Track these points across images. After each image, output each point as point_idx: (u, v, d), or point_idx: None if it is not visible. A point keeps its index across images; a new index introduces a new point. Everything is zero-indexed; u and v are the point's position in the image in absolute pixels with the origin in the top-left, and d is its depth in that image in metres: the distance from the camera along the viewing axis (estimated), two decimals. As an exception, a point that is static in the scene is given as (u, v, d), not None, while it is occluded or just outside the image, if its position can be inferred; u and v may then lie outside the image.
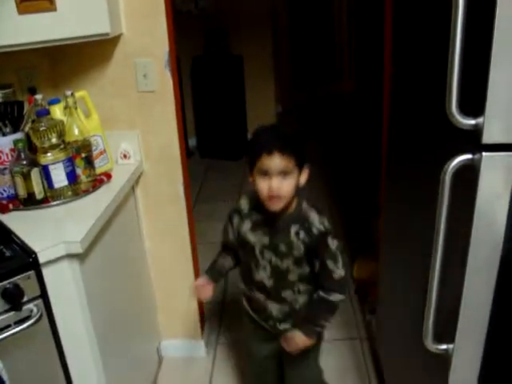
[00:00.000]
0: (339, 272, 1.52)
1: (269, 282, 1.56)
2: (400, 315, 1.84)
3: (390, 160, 1.97)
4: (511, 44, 0.94)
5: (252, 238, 1.56)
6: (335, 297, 1.53)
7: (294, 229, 1.50)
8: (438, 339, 1.25)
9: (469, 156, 1.05)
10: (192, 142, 5.10)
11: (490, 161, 1.02)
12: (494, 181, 1.04)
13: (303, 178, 1.50)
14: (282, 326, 1.63)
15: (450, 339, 1.22)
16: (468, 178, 1.07)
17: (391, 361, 2.01)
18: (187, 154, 2.33)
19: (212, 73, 4.82)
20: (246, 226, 1.57)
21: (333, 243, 1.52)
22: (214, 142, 5.08)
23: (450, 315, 1.21)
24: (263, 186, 1.43)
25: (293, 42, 7.00)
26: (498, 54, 0.95)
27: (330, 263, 1.51)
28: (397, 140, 1.87)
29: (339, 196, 4.08)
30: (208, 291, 1.69)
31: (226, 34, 4.82)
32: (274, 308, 1.61)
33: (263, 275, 1.56)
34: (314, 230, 1.49)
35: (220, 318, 2.70)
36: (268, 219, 1.53)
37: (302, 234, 1.49)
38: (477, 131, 1.02)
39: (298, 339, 1.55)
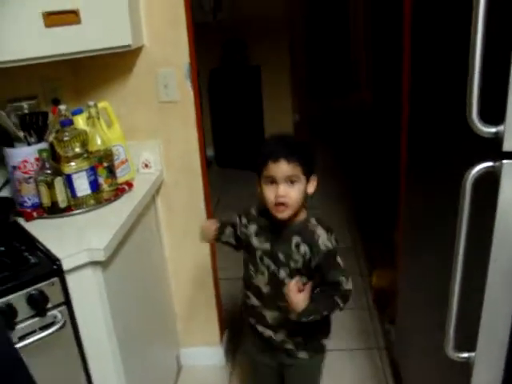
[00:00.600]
0: (349, 285, 1.50)
1: (265, 289, 1.56)
2: (420, 324, 1.83)
3: (409, 170, 1.97)
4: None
5: (255, 242, 1.57)
6: (339, 301, 1.49)
7: (295, 240, 1.49)
8: (460, 348, 1.25)
9: (490, 164, 1.06)
10: (210, 151, 5.13)
11: (510, 168, 1.03)
12: (515, 188, 1.04)
13: (311, 187, 1.50)
14: (278, 338, 1.60)
15: (472, 347, 1.22)
16: (489, 186, 1.07)
17: (411, 370, 2.00)
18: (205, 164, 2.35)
19: (230, 84, 4.87)
20: (252, 229, 1.59)
21: (340, 260, 1.51)
22: (232, 152, 5.11)
23: (471, 323, 1.21)
24: (270, 193, 1.44)
25: (309, 53, 7.04)
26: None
27: (341, 278, 1.49)
28: (416, 150, 1.88)
29: (358, 206, 4.08)
30: (212, 231, 1.69)
31: (243, 46, 4.85)
32: (268, 315, 1.59)
33: (261, 281, 1.56)
34: (322, 247, 1.47)
35: (240, 326, 2.70)
36: (273, 226, 1.53)
37: (302, 248, 1.48)
38: (497, 139, 1.03)
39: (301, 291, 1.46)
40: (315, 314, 1.48)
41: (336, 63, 7.77)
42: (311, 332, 1.60)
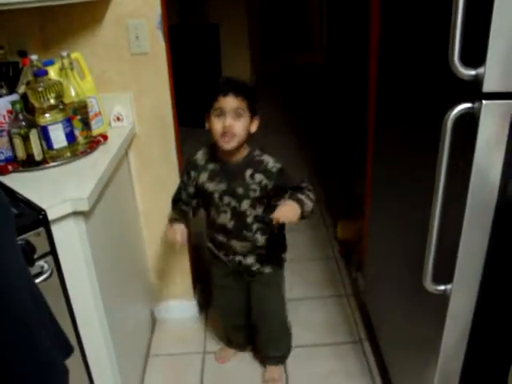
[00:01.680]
0: (309, 186, 1.73)
1: (230, 224, 1.76)
2: (388, 269, 1.93)
3: (377, 119, 2.03)
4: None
5: (210, 186, 1.74)
6: (309, 193, 1.70)
7: (248, 172, 1.70)
8: (437, 281, 1.34)
9: (469, 105, 1.12)
10: (168, 111, 5.09)
11: (489, 109, 1.09)
12: (493, 128, 1.11)
13: (254, 125, 1.69)
14: (248, 261, 1.83)
15: (448, 280, 1.31)
16: (466, 129, 1.14)
17: (380, 313, 2.11)
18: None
19: (188, 42, 4.78)
20: (203, 176, 1.75)
21: (291, 175, 1.72)
22: (191, 111, 5.06)
23: (449, 257, 1.29)
24: (218, 125, 1.63)
25: (265, 13, 6.97)
26: (499, 5, 1.01)
27: (301, 184, 1.71)
28: (385, 98, 1.93)
29: (320, 159, 4.16)
30: (184, 234, 1.79)
31: (202, 3, 4.77)
32: (237, 245, 1.80)
33: (224, 218, 1.76)
34: (273, 169, 1.69)
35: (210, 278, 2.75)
36: (223, 167, 1.73)
37: (257, 177, 1.69)
38: (477, 81, 1.08)
39: (286, 205, 1.63)
40: (307, 200, 1.67)
41: (291, 24, 7.74)
42: (274, 250, 1.84)
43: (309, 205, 1.67)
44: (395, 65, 1.78)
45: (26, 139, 1.63)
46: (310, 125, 5.04)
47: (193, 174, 1.79)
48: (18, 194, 1.48)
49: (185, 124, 5.07)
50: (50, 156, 1.67)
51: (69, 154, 1.70)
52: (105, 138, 1.85)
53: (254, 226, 1.77)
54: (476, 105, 1.11)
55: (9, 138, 1.64)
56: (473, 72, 1.09)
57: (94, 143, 1.80)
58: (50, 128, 1.63)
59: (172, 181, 2.18)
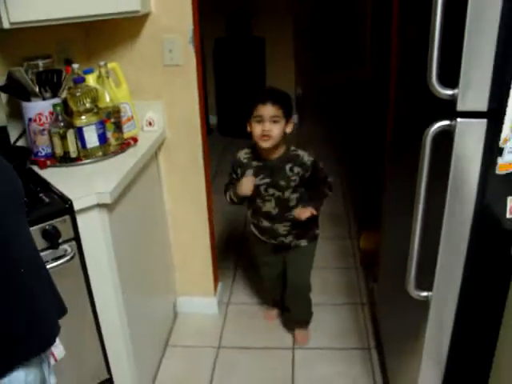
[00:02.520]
0: (331, 178, 2.10)
1: (274, 211, 2.07)
2: (391, 275, 2.01)
3: (392, 139, 2.13)
4: (481, 32, 1.10)
5: (256, 180, 2.02)
6: (327, 191, 2.09)
7: (288, 166, 2.00)
8: (421, 288, 1.43)
9: (446, 122, 1.22)
10: (212, 120, 5.28)
11: (463, 126, 1.19)
12: (467, 143, 1.21)
13: (289, 127, 1.98)
14: (288, 239, 2.14)
15: (430, 288, 1.40)
16: (445, 144, 1.24)
17: (388, 321, 2.19)
18: (207, 131, 2.54)
19: (234, 54, 4.99)
20: (249, 173, 2.04)
21: (322, 165, 2.06)
22: (234, 121, 5.25)
23: (430, 266, 1.38)
24: (257, 128, 1.93)
25: (315, 26, 7.09)
26: (470, 36, 1.11)
27: (326, 177, 2.07)
28: (398, 121, 2.03)
29: (350, 174, 4.24)
30: (252, 183, 2.02)
31: (248, 16, 4.96)
32: (280, 228, 2.11)
33: (269, 207, 2.07)
34: (308, 162, 2.00)
35: (232, 279, 2.90)
36: (266, 164, 2.02)
37: (296, 169, 2.00)
38: (453, 100, 1.18)
39: (302, 210, 2.01)
40: (320, 200, 2.07)
41: (342, 37, 7.82)
42: (309, 226, 2.12)
43: (321, 201, 2.08)
44: (403, 84, 1.88)
45: (63, 138, 1.83)
46: (349, 138, 5.13)
47: (239, 170, 2.09)
48: (52, 186, 1.67)
49: (229, 134, 5.28)
50: (84, 154, 1.86)
51: (100, 153, 1.89)
52: (135, 140, 2.03)
53: (299, 206, 2.05)
54: (452, 122, 1.21)
55: (49, 136, 1.85)
56: (450, 92, 1.19)
57: (124, 145, 1.98)
58: (85, 129, 1.82)
59: (198, 184, 2.35)
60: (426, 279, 1.41)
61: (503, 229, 1.28)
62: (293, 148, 2.04)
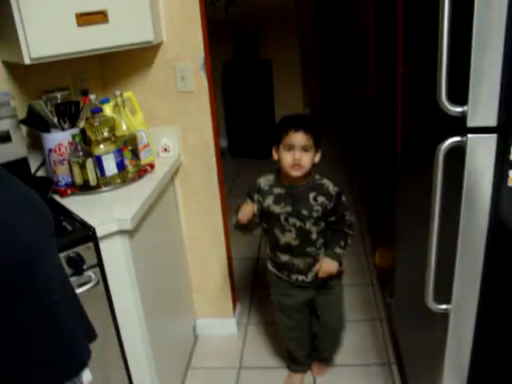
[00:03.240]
0: (351, 218, 1.99)
1: (294, 242, 1.94)
2: (408, 289, 2.03)
3: (403, 155, 2.17)
4: (487, 50, 1.15)
5: (276, 209, 1.92)
6: (348, 231, 1.98)
7: (312, 195, 1.91)
8: (440, 301, 1.45)
9: (458, 138, 1.25)
10: (223, 142, 5.34)
11: (474, 141, 1.22)
12: (479, 158, 1.24)
13: (317, 157, 1.91)
14: (309, 278, 2.00)
15: (449, 300, 1.42)
16: (457, 158, 1.27)
17: (407, 336, 2.20)
18: (219, 153, 2.59)
19: (242, 77, 5.07)
20: (269, 200, 1.94)
21: (344, 199, 1.97)
22: (244, 142, 5.32)
23: (449, 279, 1.40)
24: (288, 157, 1.84)
25: (319, 46, 7.18)
26: (477, 55, 1.15)
27: (346, 213, 1.97)
28: (408, 137, 2.07)
29: (362, 191, 4.27)
30: (251, 208, 1.90)
31: (254, 39, 5.06)
32: (300, 262, 1.98)
33: (289, 237, 1.94)
34: (332, 192, 1.92)
35: (250, 300, 2.92)
36: (288, 191, 1.92)
37: (320, 198, 1.91)
38: (463, 117, 1.22)
39: (326, 262, 1.93)
40: (341, 249, 1.96)
41: (347, 55, 7.90)
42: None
43: (343, 251, 1.97)
44: (411, 101, 1.92)
45: (83, 167, 1.88)
46: (358, 155, 5.16)
47: (256, 196, 1.97)
48: (73, 214, 1.72)
49: (239, 155, 5.34)
50: (103, 182, 1.91)
51: (119, 181, 1.93)
52: (152, 166, 2.08)
53: (320, 241, 1.97)
54: (463, 138, 1.24)
55: (69, 165, 1.90)
56: (459, 109, 1.23)
57: (142, 171, 2.03)
58: (103, 158, 1.87)
59: (214, 206, 2.39)
60: (444, 292, 1.43)
61: (518, 240, 1.30)
62: (317, 176, 1.95)
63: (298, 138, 1.82)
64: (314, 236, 1.94)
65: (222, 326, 2.63)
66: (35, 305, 0.91)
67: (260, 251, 3.43)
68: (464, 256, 1.34)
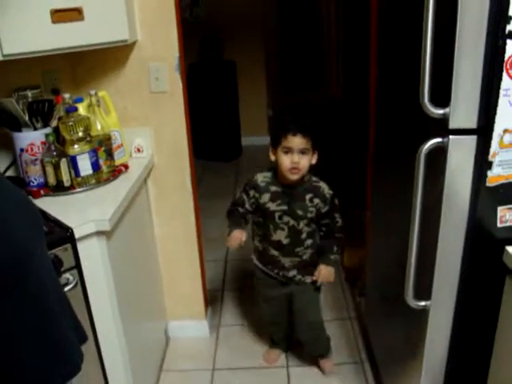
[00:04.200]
0: (341, 221, 2.05)
1: (285, 241, 2.00)
2: (387, 289, 2.07)
3: (375, 156, 2.21)
4: (468, 55, 1.19)
5: (272, 206, 1.98)
6: (339, 235, 2.05)
7: (308, 196, 1.97)
8: (419, 298, 1.49)
9: (439, 139, 1.29)
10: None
11: (455, 142, 1.27)
12: (459, 158, 1.28)
13: (314, 158, 1.96)
14: (291, 274, 2.09)
15: (428, 297, 1.46)
16: (438, 161, 1.31)
17: (379, 333, 2.24)
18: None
19: (207, 78, 5.06)
20: (265, 197, 1.99)
21: (337, 202, 2.02)
22: (209, 144, 5.30)
23: (428, 276, 1.44)
24: (286, 160, 1.89)
25: (283, 50, 7.23)
26: (458, 59, 1.20)
27: (337, 216, 2.03)
28: (380, 135, 2.12)
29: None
30: (242, 237, 1.97)
31: (219, 41, 5.06)
32: (286, 261, 2.06)
33: (281, 235, 2.00)
34: (327, 195, 1.99)
35: (221, 302, 2.91)
36: (286, 191, 1.97)
37: (315, 200, 1.97)
38: (445, 119, 1.26)
39: (324, 270, 2.02)
40: (335, 256, 2.05)
41: (310, 59, 7.97)
42: (315, 262, 2.07)
43: (337, 256, 2.08)
44: (386, 105, 1.97)
45: (56, 167, 1.84)
46: (325, 156, 5.22)
47: (252, 193, 2.02)
48: (48, 215, 1.68)
49: (203, 157, 5.32)
50: (77, 182, 1.87)
51: (94, 181, 1.90)
52: (126, 167, 2.06)
53: (307, 242, 2.03)
54: (445, 139, 1.28)
55: (42, 166, 1.85)
56: (441, 111, 1.27)
57: (116, 172, 2.00)
58: (78, 158, 1.84)
59: (187, 207, 2.38)
60: (423, 289, 1.47)
61: (495, 237, 1.35)
62: (314, 179, 2.02)
63: (296, 141, 1.86)
64: (303, 236, 2.00)
65: (193, 327, 2.62)
66: (30, 301, 0.89)
67: (228, 253, 3.43)
68: (443, 253, 1.39)
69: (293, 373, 2.35)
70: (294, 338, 2.40)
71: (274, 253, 2.05)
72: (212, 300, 2.86)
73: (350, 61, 5.69)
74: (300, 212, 1.96)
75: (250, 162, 5.17)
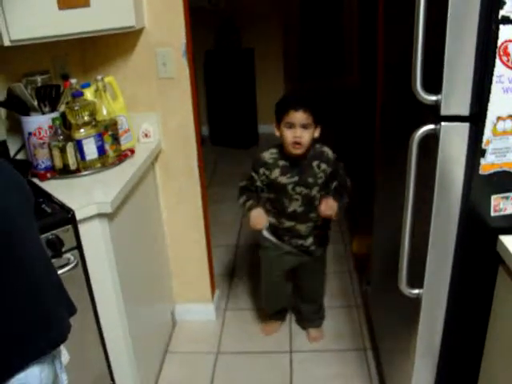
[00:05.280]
0: (349, 181, 2.15)
1: (300, 209, 2.10)
2: (383, 276, 2.07)
3: (380, 144, 2.21)
4: (461, 41, 1.18)
5: (284, 179, 2.07)
6: (348, 189, 2.14)
7: (315, 163, 2.07)
8: (413, 286, 1.49)
9: (431, 126, 1.29)
10: (204, 130, 5.35)
11: (447, 129, 1.26)
12: (452, 146, 1.27)
13: (317, 132, 2.04)
14: (308, 242, 2.18)
15: (421, 285, 1.46)
16: (432, 149, 1.31)
17: (382, 321, 2.25)
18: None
19: (224, 66, 5.07)
20: (276, 172, 2.08)
21: (341, 164, 2.14)
22: (226, 131, 5.33)
23: (422, 265, 1.44)
24: (289, 135, 1.97)
25: (302, 37, 7.19)
26: (451, 45, 1.19)
27: (343, 175, 2.13)
28: (385, 126, 2.11)
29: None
30: (264, 218, 2.11)
31: (237, 29, 5.05)
32: (302, 228, 2.15)
33: (295, 206, 2.10)
34: (331, 158, 2.10)
35: (229, 286, 2.95)
36: (294, 163, 2.06)
37: (322, 165, 2.07)
38: (437, 105, 1.26)
39: (331, 201, 2.04)
40: (343, 197, 2.09)
41: (328, 48, 7.91)
42: (326, 230, 2.25)
43: (344, 199, 2.10)
44: (389, 91, 1.96)
45: (63, 151, 1.88)
46: (339, 145, 5.20)
47: (262, 170, 2.10)
48: (53, 197, 1.72)
49: (220, 144, 5.35)
50: (83, 166, 1.91)
51: (99, 165, 1.94)
52: (132, 152, 2.09)
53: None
54: (437, 126, 1.28)
55: (49, 149, 1.90)
56: (434, 98, 1.26)
57: (122, 156, 2.04)
58: (84, 142, 1.87)
59: (194, 192, 2.41)
60: (417, 277, 1.48)
61: (488, 226, 1.34)
62: (318, 145, 2.10)
63: (298, 116, 1.94)
64: (317, 202, 2.08)
65: (200, 311, 2.66)
66: (14, 268, 0.93)
67: (239, 239, 3.46)
68: (436, 241, 1.39)
69: (296, 358, 2.38)
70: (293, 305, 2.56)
71: (290, 223, 2.14)
72: (220, 284, 2.89)
73: (367, 48, 5.65)
74: (311, 180, 2.06)
75: (266, 149, 5.18)
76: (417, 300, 1.49)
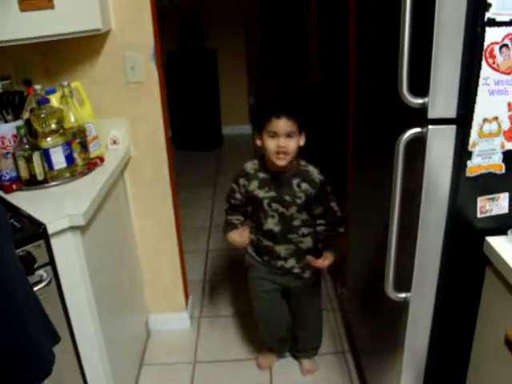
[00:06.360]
0: (339, 210, 1.98)
1: (276, 228, 1.94)
2: (365, 280, 2.06)
3: (355, 145, 2.19)
4: (447, 44, 1.17)
5: (260, 193, 1.92)
6: (342, 228, 2.01)
7: (295, 181, 1.89)
8: (399, 289, 1.47)
9: (418, 129, 1.27)
10: (167, 133, 5.26)
11: (434, 132, 1.25)
12: (439, 148, 1.26)
13: (302, 140, 1.87)
14: (289, 264, 2.00)
15: (408, 288, 1.45)
16: (417, 151, 1.29)
17: (360, 323, 2.24)
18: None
19: (187, 67, 4.99)
20: (254, 185, 1.93)
21: (330, 189, 1.95)
22: (189, 134, 5.25)
23: (408, 268, 1.43)
24: (272, 144, 1.80)
25: (264, 37, 7.16)
26: (437, 47, 1.17)
27: (333, 205, 1.96)
28: (361, 128, 2.09)
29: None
30: (244, 234, 2.00)
31: (200, 29, 4.98)
32: (281, 250, 1.98)
33: (271, 223, 1.94)
34: (316, 180, 1.90)
35: (202, 294, 2.89)
36: (273, 177, 1.90)
37: (303, 185, 1.89)
38: (424, 109, 1.24)
39: (328, 259, 1.95)
40: (335, 246, 1.99)
41: (290, 47, 7.92)
42: (316, 254, 2.00)
43: (334, 246, 1.99)
44: (366, 95, 1.94)
45: (29, 161, 1.78)
46: (306, 145, 5.20)
47: (242, 181, 1.96)
48: (21, 210, 1.63)
49: (183, 147, 5.26)
50: (51, 176, 1.82)
51: (68, 175, 1.85)
52: (101, 159, 2.01)
53: (303, 230, 1.96)
54: (424, 129, 1.26)
55: (13, 159, 1.80)
56: (420, 100, 1.25)
57: (91, 165, 1.95)
58: (51, 151, 1.78)
59: (165, 199, 2.34)
60: (402, 281, 1.46)
61: (475, 228, 1.34)
62: (303, 163, 1.94)
63: (281, 125, 1.78)
64: (296, 223, 1.93)
65: (174, 320, 2.59)
66: None
67: (209, 243, 3.41)
68: (423, 245, 1.37)
69: (275, 364, 2.34)
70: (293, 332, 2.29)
71: (268, 243, 1.99)
72: (193, 291, 2.83)
73: (330, 48, 5.67)
74: (288, 198, 1.89)
75: (230, 151, 5.13)
76: (403, 303, 1.48)
